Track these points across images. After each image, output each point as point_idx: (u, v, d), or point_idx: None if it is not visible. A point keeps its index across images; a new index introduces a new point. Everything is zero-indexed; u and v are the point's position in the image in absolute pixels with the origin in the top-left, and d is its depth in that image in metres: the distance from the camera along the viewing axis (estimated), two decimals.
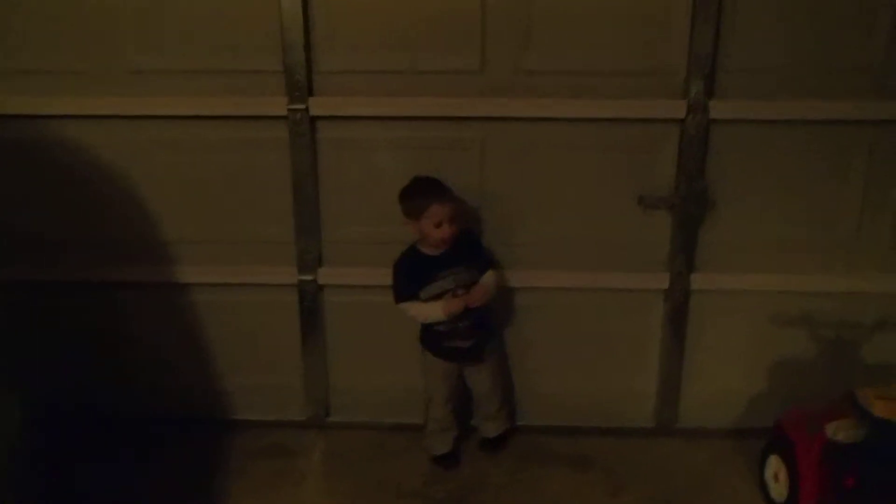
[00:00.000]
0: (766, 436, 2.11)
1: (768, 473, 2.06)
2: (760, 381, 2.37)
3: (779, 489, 2.01)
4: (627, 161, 2.15)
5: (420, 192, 2.00)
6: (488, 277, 2.10)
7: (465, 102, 2.08)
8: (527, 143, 2.14)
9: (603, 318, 2.32)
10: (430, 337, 2.16)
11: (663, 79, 2.07)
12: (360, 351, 2.38)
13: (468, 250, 2.10)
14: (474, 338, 2.14)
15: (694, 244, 2.21)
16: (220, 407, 2.44)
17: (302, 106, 2.07)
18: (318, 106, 2.08)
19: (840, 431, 1.85)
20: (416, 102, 2.08)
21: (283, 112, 2.08)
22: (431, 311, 2.05)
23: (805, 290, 2.25)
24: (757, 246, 2.23)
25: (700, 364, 2.35)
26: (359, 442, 2.36)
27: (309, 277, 2.26)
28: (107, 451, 2.30)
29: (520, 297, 2.30)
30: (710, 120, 2.07)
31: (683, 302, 2.26)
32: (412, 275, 2.07)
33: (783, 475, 1.99)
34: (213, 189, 2.21)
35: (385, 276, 2.16)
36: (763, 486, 2.09)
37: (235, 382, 2.42)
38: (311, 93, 2.08)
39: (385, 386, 2.41)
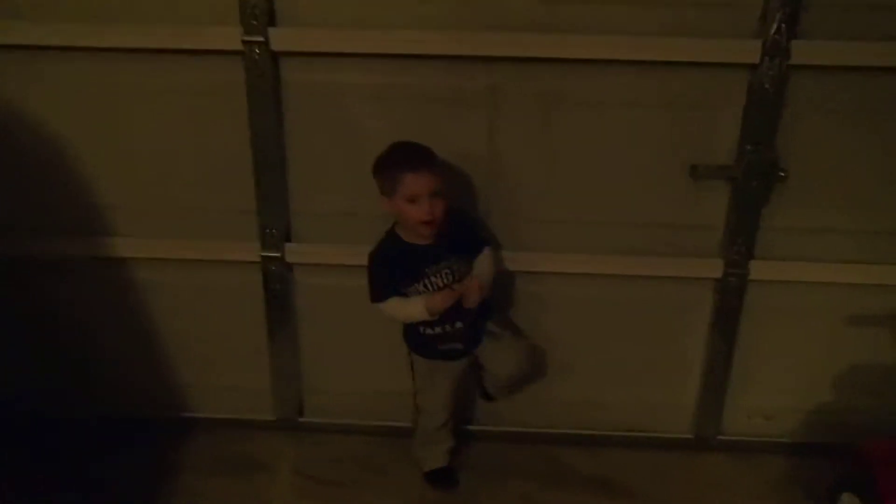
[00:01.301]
0: (828, 454, 1.84)
1: None
2: (826, 391, 1.95)
3: None
4: (678, 120, 1.68)
5: (392, 162, 1.55)
6: (484, 261, 1.67)
7: (471, 38, 1.60)
8: (550, 95, 1.67)
9: (637, 312, 1.89)
10: (417, 339, 1.74)
11: (731, 11, 1.57)
12: (338, 342, 1.97)
13: (462, 236, 1.65)
14: (475, 338, 1.73)
15: (755, 226, 1.76)
16: (176, 404, 2.05)
17: (260, 38, 1.61)
18: (281, 39, 1.62)
19: None
20: (406, 37, 1.60)
21: (238, 46, 1.62)
22: (412, 308, 1.62)
23: (890, 283, 1.80)
24: (833, 230, 1.77)
25: (752, 368, 1.93)
26: (337, 450, 1.98)
27: (275, 254, 1.83)
28: (37, 455, 1.93)
29: (536, 285, 1.87)
30: (790, 67, 1.58)
31: (738, 295, 1.83)
32: (393, 268, 1.63)
33: None
34: (157, 143, 1.76)
35: (365, 255, 1.74)
36: None
37: (192, 376, 2.03)
38: (272, 22, 1.61)
39: (367, 382, 2.01)
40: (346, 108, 1.71)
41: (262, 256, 1.83)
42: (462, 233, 1.65)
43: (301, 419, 2.04)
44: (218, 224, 1.83)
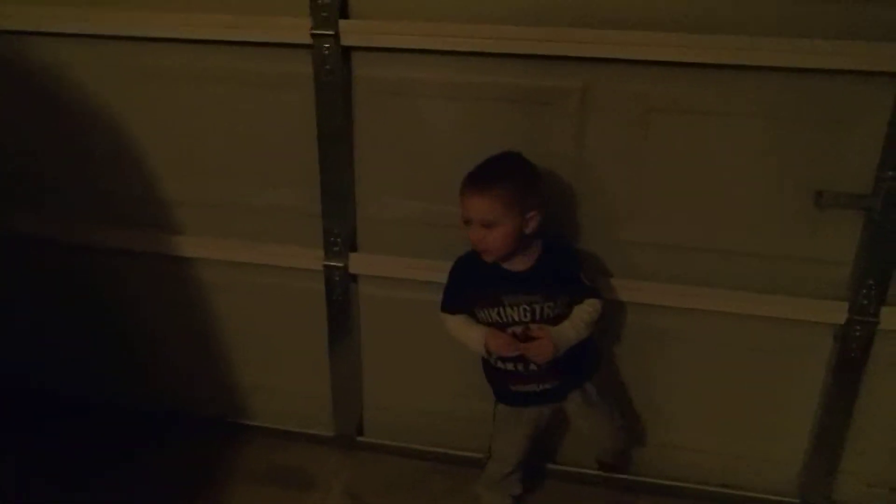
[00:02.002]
0: None
1: None
2: None
3: None
4: (803, 136, 1.42)
5: (467, 174, 1.40)
6: (580, 314, 1.43)
7: (561, 35, 1.41)
8: (650, 100, 1.45)
9: (743, 353, 1.64)
10: (491, 372, 1.56)
11: (881, 10, 1.30)
12: (402, 358, 1.83)
13: (560, 274, 1.44)
14: (556, 380, 1.51)
15: (891, 265, 1.47)
16: (231, 408, 1.98)
17: (330, 31, 1.48)
18: (352, 32, 1.48)
19: None
20: (486, 32, 1.43)
21: (306, 38, 1.49)
22: (472, 335, 1.46)
23: None
24: None
25: (876, 429, 1.64)
26: (392, 473, 1.84)
27: (338, 264, 1.70)
28: (81, 444, 1.90)
29: (624, 314, 1.65)
30: None
31: (863, 344, 1.54)
32: (468, 281, 1.47)
33: None
34: (223, 139, 1.68)
35: (439, 270, 1.60)
36: None
37: (249, 381, 1.95)
38: (344, 14, 1.48)
39: (431, 403, 1.86)
40: (421, 108, 1.56)
41: (325, 265, 1.70)
42: (561, 270, 1.44)
43: (359, 438, 1.92)
44: (282, 227, 1.73)
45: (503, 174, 1.37)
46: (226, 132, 1.66)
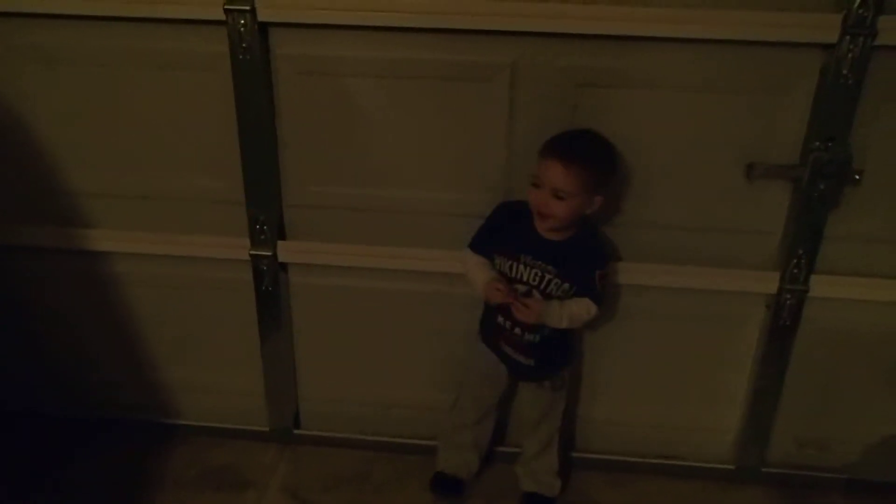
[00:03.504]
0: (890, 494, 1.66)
1: None
2: (889, 423, 1.69)
3: None
4: (732, 109, 1.42)
5: (553, 141, 1.37)
6: (572, 305, 1.44)
7: (491, 8, 1.36)
8: (581, 74, 1.42)
9: (677, 325, 1.65)
10: (487, 317, 1.57)
11: None
12: (337, 348, 1.78)
13: (578, 260, 1.43)
14: (533, 358, 1.52)
15: (819, 235, 1.50)
16: (158, 408, 1.88)
17: (245, 6, 1.39)
18: (269, 6, 1.40)
19: None
20: (413, 5, 1.37)
21: (220, 14, 1.40)
22: (477, 275, 1.48)
23: None
24: None
25: (805, 393, 1.69)
26: (332, 467, 1.79)
27: (265, 252, 1.63)
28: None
29: None
30: (874, 48, 1.31)
31: (794, 312, 1.57)
32: (501, 225, 1.48)
33: None
34: (134, 125, 1.56)
35: (371, 255, 1.59)
36: None
37: (177, 379, 1.86)
38: None
39: (370, 394, 1.82)
40: (347, 88, 1.48)
41: (252, 255, 1.62)
42: (584, 260, 1.43)
43: (296, 431, 1.85)
44: (204, 216, 1.64)
45: (592, 154, 1.37)
46: (138, 118, 1.55)
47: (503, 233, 1.47)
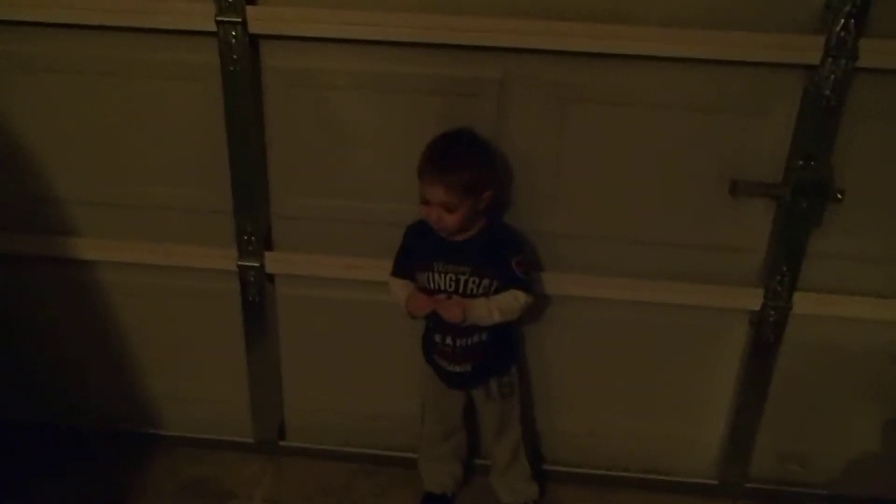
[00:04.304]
0: None
1: None
2: (872, 439, 1.72)
3: None
4: (718, 128, 1.44)
5: (425, 153, 1.39)
6: (501, 300, 1.43)
7: (478, 25, 1.37)
8: (567, 90, 1.44)
9: (660, 340, 1.67)
10: (425, 337, 1.59)
11: (790, 5, 1.33)
12: (323, 360, 1.78)
13: (494, 256, 1.43)
14: (469, 363, 1.52)
15: (801, 252, 1.52)
16: (142, 419, 1.87)
17: (237, 18, 1.40)
18: (260, 18, 1.41)
19: None
20: (402, 20, 1.38)
21: (211, 26, 1.41)
22: (399, 293, 1.51)
23: None
24: (894, 261, 1.52)
25: (787, 409, 1.70)
26: (317, 479, 1.78)
27: (253, 263, 1.63)
28: None
29: (548, 307, 1.64)
30: (855, 70, 1.34)
31: (777, 329, 1.59)
32: (411, 245, 1.51)
33: None
34: (123, 134, 1.56)
35: (358, 267, 1.59)
36: None
37: (162, 390, 1.85)
38: (251, 0, 1.40)
39: (355, 406, 1.82)
40: (336, 100, 1.50)
41: (239, 265, 1.62)
42: (496, 252, 1.43)
43: (281, 443, 1.85)
44: (192, 226, 1.64)
45: (465, 161, 1.37)
46: (127, 127, 1.55)
47: (416, 250, 1.49)
